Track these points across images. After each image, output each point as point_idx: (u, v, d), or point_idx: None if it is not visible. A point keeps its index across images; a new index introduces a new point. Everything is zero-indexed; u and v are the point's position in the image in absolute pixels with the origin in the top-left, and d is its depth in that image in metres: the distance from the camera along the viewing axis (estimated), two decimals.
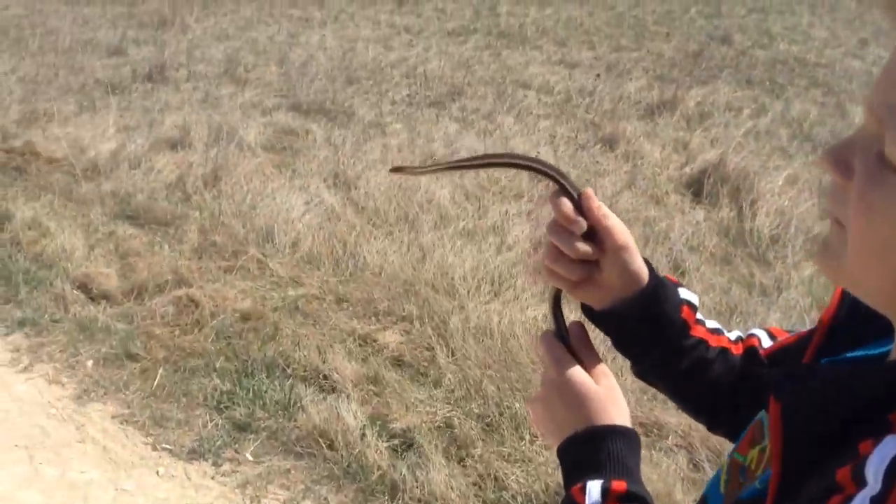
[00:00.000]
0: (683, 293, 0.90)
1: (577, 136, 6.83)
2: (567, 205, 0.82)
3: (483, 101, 8.10)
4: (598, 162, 5.97)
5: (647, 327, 0.87)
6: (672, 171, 6.02)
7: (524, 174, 5.74)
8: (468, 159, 0.91)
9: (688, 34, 11.88)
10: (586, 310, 0.91)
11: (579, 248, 0.83)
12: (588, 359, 0.84)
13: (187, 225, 4.99)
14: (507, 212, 5.22)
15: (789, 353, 0.89)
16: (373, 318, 4.01)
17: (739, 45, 11.10)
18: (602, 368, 0.83)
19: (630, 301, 0.86)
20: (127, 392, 3.37)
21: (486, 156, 0.95)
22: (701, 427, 1.04)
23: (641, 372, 0.94)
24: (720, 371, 0.91)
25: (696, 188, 5.63)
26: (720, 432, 0.97)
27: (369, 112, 7.58)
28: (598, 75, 9.21)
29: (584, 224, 0.82)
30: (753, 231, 4.88)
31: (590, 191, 0.84)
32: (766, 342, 0.93)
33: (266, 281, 4.39)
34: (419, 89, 8.43)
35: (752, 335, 0.95)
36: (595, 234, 0.83)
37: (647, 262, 0.87)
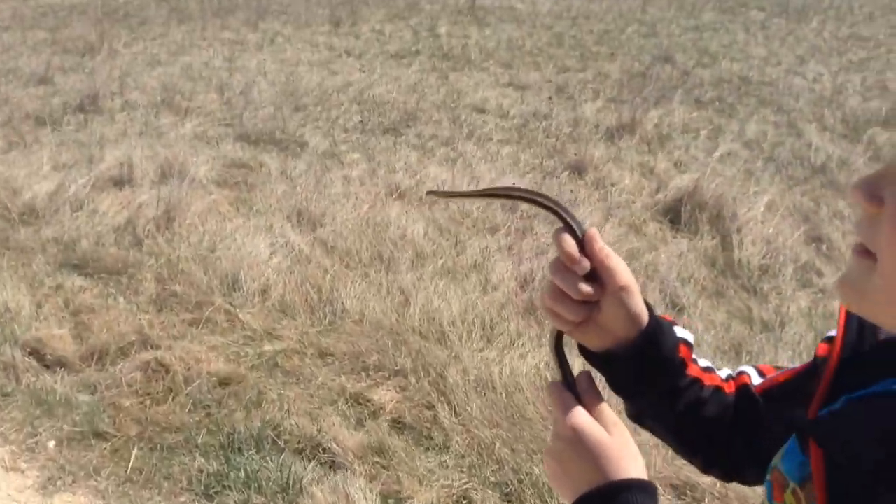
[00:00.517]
0: (679, 332, 0.89)
1: (542, 163, 6.63)
2: (571, 244, 0.81)
3: (439, 127, 7.84)
4: (571, 191, 5.76)
5: (647, 369, 0.87)
6: (645, 197, 5.85)
7: (497, 204, 5.49)
8: (490, 190, 0.94)
9: (630, 54, 11.87)
10: (583, 350, 0.90)
11: (582, 289, 0.81)
12: (598, 408, 0.81)
13: (142, 273, 4.57)
14: (486, 248, 4.95)
15: (786, 390, 0.89)
16: (362, 374, 3.68)
17: (682, 64, 11.12)
18: (612, 418, 0.80)
19: (630, 343, 0.85)
20: (98, 478, 2.95)
21: (505, 188, 0.91)
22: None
23: (637, 414, 0.93)
24: (715, 410, 0.90)
25: (673, 216, 5.47)
26: (714, 472, 0.96)
27: (322, 141, 7.23)
28: (551, 98, 9.07)
29: (587, 264, 0.81)
30: (742, 261, 4.72)
31: (594, 231, 0.82)
32: (756, 379, 0.93)
33: (238, 335, 4.01)
34: (371, 115, 8.13)
35: (742, 373, 0.95)
36: (597, 274, 0.82)
37: (646, 302, 0.86)
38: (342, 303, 4.26)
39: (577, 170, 6.35)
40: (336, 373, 3.69)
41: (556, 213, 0.84)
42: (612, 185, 6.05)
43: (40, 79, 9.35)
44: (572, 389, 0.82)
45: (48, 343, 3.65)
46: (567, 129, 7.78)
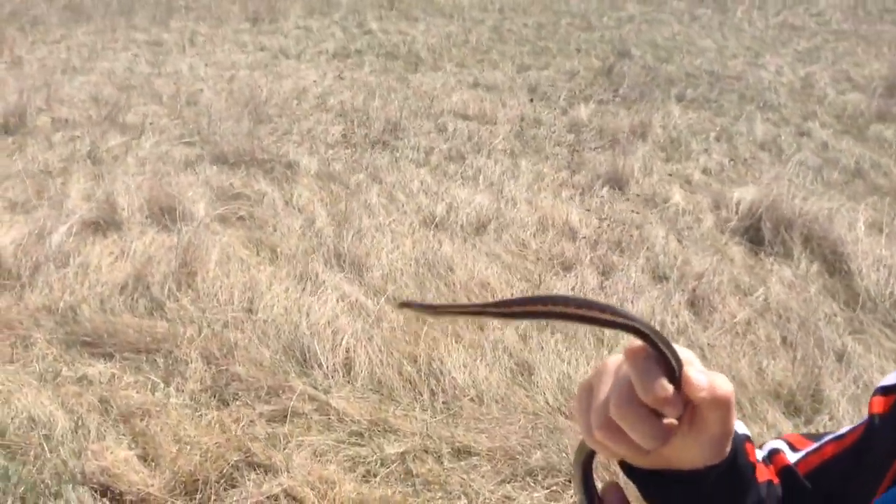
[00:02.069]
0: (738, 426, 0.66)
1: (571, 178, 5.99)
2: (665, 386, 0.55)
3: (430, 138, 7.07)
4: (634, 211, 5.15)
5: (728, 490, 0.65)
6: (707, 214, 5.31)
7: (554, 231, 4.82)
8: (504, 304, 0.58)
9: (581, 49, 11.39)
10: (625, 464, 0.66)
11: (660, 437, 0.57)
12: None
13: (180, 349, 3.64)
14: (573, 288, 4.27)
15: (832, 474, 0.70)
16: (528, 481, 2.93)
17: (641, 59, 10.72)
18: None
19: (711, 468, 0.63)
20: None
21: (528, 300, 0.56)
22: None
23: None
24: None
25: (752, 236, 4.95)
26: None
27: (310, 160, 6.33)
28: (532, 100, 8.45)
29: (680, 407, 0.56)
30: (871, 292, 4.22)
31: (691, 358, 0.57)
32: (791, 456, 0.75)
33: (341, 432, 3.17)
34: (352, 127, 7.26)
35: (777, 451, 0.76)
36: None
37: None
38: (451, 375, 3.49)
39: (616, 184, 5.74)
40: (494, 480, 2.92)
41: (639, 333, 0.54)
42: (664, 201, 5.47)
43: None
44: None
45: (119, 474, 2.70)
46: (570, 136, 7.18)
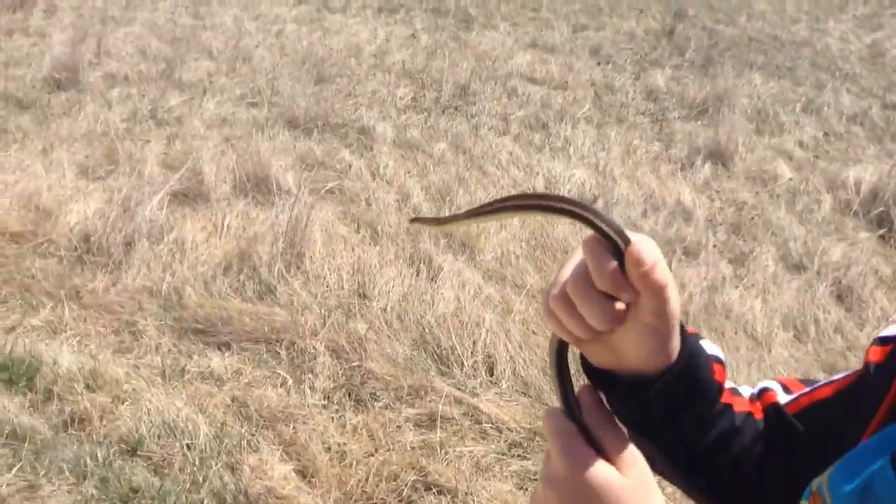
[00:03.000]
0: (709, 347, 0.70)
1: (666, 150, 5.66)
2: (614, 266, 0.57)
3: (502, 103, 6.72)
4: (759, 193, 4.83)
5: (683, 397, 0.66)
6: (824, 195, 4.99)
7: (658, 216, 4.51)
8: (489, 205, 0.65)
9: (636, 7, 10.94)
10: (586, 363, 0.68)
11: (613, 321, 0.60)
12: (609, 440, 0.59)
13: (304, 341, 3.35)
14: (721, 279, 3.97)
15: (831, 407, 0.69)
16: None
17: (699, 20, 10.29)
18: (630, 452, 0.59)
19: (660, 374, 0.64)
20: None
21: (508, 198, 0.64)
22: None
23: (648, 454, 0.62)
24: (748, 441, 0.71)
25: (880, 221, 4.65)
26: None
27: (385, 125, 5.98)
28: (599, 63, 8.06)
29: (632, 293, 0.58)
30: None
31: (643, 244, 0.57)
32: (783, 396, 0.74)
33: (500, 442, 2.91)
34: (419, 89, 6.89)
35: (767, 390, 0.75)
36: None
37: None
38: None
39: (720, 159, 5.42)
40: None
41: (585, 220, 0.58)
42: (773, 179, 5.15)
43: None
44: (576, 421, 0.60)
45: (287, 496, 2.43)
46: (649, 105, 6.82)
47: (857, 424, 0.61)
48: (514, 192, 4.59)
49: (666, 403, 0.66)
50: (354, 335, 3.36)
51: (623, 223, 0.66)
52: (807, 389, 0.74)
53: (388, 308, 3.62)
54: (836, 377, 0.72)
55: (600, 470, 0.57)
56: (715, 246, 4.22)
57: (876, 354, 0.66)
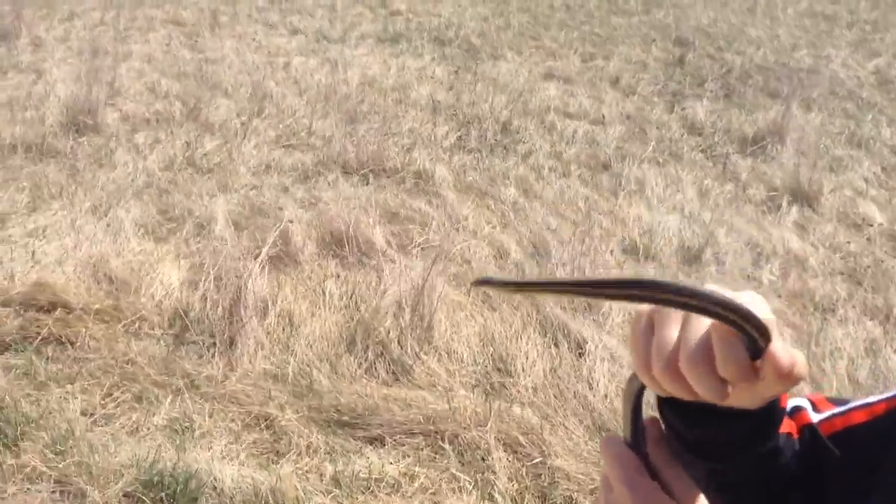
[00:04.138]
0: None
1: (744, 191, 5.48)
2: (746, 361, 0.52)
3: (548, 140, 6.48)
4: (849, 243, 4.66)
5: (752, 433, 0.64)
6: None
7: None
8: (590, 284, 0.54)
9: (638, 35, 10.87)
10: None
11: (720, 398, 0.54)
12: (674, 479, 0.58)
13: (469, 431, 3.01)
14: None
15: (864, 435, 0.67)
16: None
17: (702, 48, 10.26)
18: (691, 489, 0.58)
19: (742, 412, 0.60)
20: None
21: (616, 282, 0.53)
22: None
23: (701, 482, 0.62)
24: (787, 463, 0.67)
25: None
26: None
27: (440, 168, 5.67)
28: (628, 95, 7.90)
29: (754, 380, 0.53)
30: None
31: (780, 351, 0.52)
32: (814, 415, 0.71)
33: None
34: (459, 127, 6.59)
35: (801, 408, 0.72)
36: None
37: None
38: None
39: (803, 200, 5.25)
40: None
41: (723, 318, 0.51)
42: (866, 223, 5.01)
43: None
44: (643, 456, 0.59)
45: None
46: (696, 139, 6.66)
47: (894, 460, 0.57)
48: (619, 273, 4.34)
49: (736, 436, 0.63)
50: (524, 423, 3.03)
51: (740, 283, 0.58)
52: (839, 410, 0.71)
53: (538, 387, 3.31)
54: (871, 399, 0.69)
55: None
56: (848, 300, 4.02)
57: None
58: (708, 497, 0.63)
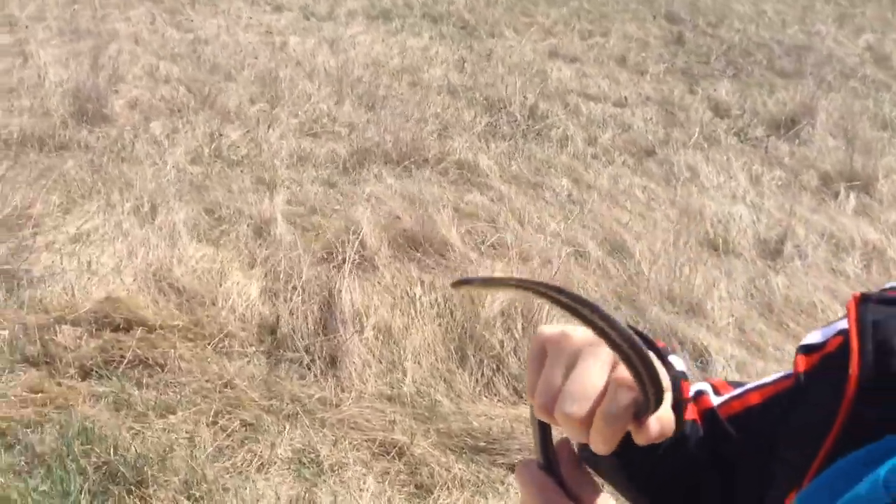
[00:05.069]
0: (676, 363, 0.68)
1: (796, 178, 5.37)
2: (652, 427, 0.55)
3: (577, 123, 6.28)
4: None
5: None
6: None
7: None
8: (543, 285, 0.61)
9: (627, 11, 10.71)
10: None
11: (612, 446, 0.56)
12: (585, 492, 0.59)
13: None
14: None
15: (760, 416, 0.69)
16: None
17: (696, 25, 10.15)
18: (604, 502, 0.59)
19: None
20: None
21: (576, 297, 0.57)
22: None
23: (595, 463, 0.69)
24: (693, 450, 0.70)
25: None
26: None
27: (482, 157, 5.42)
28: (642, 74, 7.74)
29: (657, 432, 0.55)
30: None
31: (654, 424, 0.55)
32: (714, 399, 0.73)
33: None
34: (485, 111, 6.35)
35: (702, 392, 0.74)
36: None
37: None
38: None
39: (860, 187, 5.17)
40: None
41: (633, 366, 0.53)
42: None
43: None
44: (555, 475, 0.60)
45: None
46: (725, 122, 6.54)
47: (802, 443, 0.59)
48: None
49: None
50: None
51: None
52: (736, 392, 0.72)
53: None
54: (765, 381, 0.71)
55: None
56: None
57: (802, 364, 0.65)
58: (633, 500, 0.70)
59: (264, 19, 9.03)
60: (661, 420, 0.55)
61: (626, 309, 3.66)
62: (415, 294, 3.63)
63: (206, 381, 3.08)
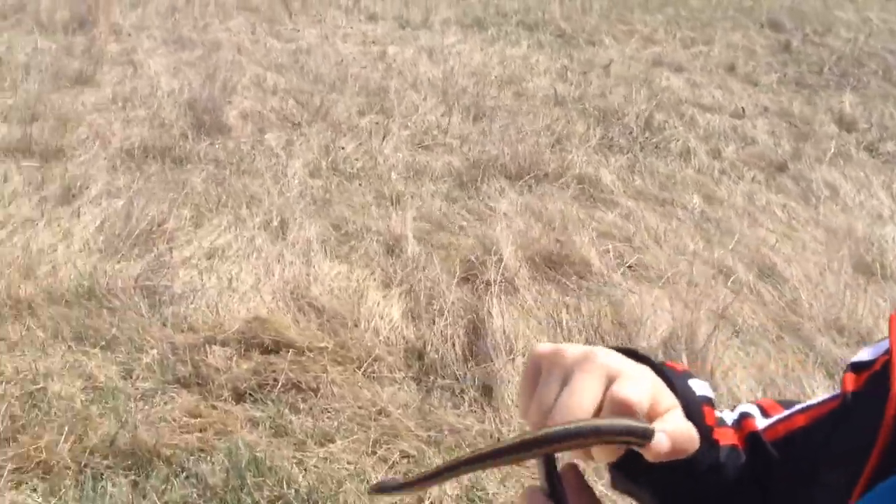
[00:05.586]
0: (697, 387, 0.64)
1: None
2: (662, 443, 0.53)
3: (694, 136, 6.04)
4: None
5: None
6: None
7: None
8: (480, 456, 0.56)
9: (727, 17, 10.39)
10: None
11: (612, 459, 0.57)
12: None
13: None
14: None
15: (805, 439, 0.65)
16: None
17: (802, 33, 9.78)
18: None
19: None
20: None
21: (506, 448, 0.55)
22: None
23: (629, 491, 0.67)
24: (731, 476, 0.66)
25: None
26: None
27: (604, 172, 5.23)
28: (756, 85, 7.45)
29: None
30: None
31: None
32: (761, 422, 0.69)
33: None
34: (600, 124, 6.15)
35: (746, 415, 0.70)
36: None
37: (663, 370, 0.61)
38: None
39: None
40: None
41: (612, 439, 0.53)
42: None
43: (75, 77, 6.53)
44: (560, 499, 0.57)
45: None
46: (853, 136, 6.22)
47: (846, 463, 0.56)
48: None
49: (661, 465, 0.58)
50: None
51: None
52: (783, 414, 0.69)
53: None
54: (812, 402, 0.68)
55: None
56: None
57: (851, 383, 0.62)
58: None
59: (361, 28, 9.00)
60: (674, 435, 0.53)
61: (789, 339, 3.43)
62: (561, 319, 3.46)
63: (360, 407, 2.96)
